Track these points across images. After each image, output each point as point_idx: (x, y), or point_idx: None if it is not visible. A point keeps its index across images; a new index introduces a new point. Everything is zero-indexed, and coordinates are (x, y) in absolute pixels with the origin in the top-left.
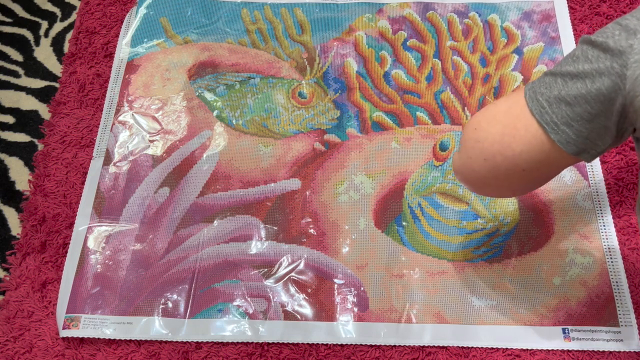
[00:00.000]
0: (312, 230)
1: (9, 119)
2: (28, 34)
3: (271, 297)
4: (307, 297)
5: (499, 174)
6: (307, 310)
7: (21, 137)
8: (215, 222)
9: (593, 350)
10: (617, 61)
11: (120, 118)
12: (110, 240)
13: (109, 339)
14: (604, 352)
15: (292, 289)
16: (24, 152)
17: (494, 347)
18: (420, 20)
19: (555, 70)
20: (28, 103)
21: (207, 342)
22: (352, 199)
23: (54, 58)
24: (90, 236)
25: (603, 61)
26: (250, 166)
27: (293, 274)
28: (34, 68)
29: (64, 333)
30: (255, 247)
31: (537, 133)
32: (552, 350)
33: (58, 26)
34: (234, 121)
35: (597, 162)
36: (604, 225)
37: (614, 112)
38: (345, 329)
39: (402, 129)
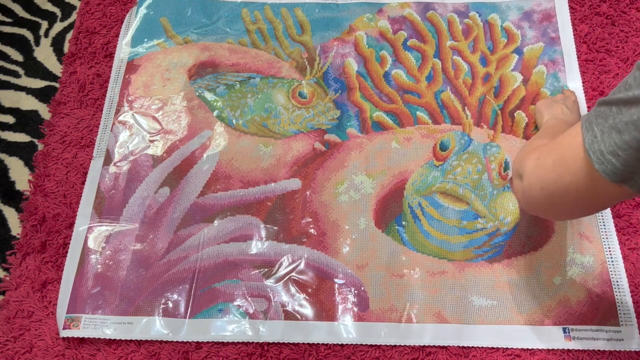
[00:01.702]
0: (312, 230)
1: (9, 119)
2: (28, 34)
3: (271, 297)
4: (307, 297)
5: (555, 201)
6: (308, 310)
7: (21, 137)
8: (215, 222)
9: (593, 350)
10: None
11: (121, 118)
12: (111, 240)
13: (109, 339)
14: (604, 351)
15: (293, 289)
16: (24, 152)
17: (494, 347)
18: (420, 20)
19: (609, 99)
20: (28, 103)
21: (208, 342)
22: (353, 199)
23: (54, 58)
24: (91, 236)
25: None
26: (251, 166)
27: (293, 273)
28: (34, 68)
29: (64, 333)
30: (256, 247)
31: (584, 163)
32: (553, 349)
33: (58, 26)
34: (234, 121)
35: None
36: (604, 225)
37: None
38: (346, 328)
39: (402, 129)
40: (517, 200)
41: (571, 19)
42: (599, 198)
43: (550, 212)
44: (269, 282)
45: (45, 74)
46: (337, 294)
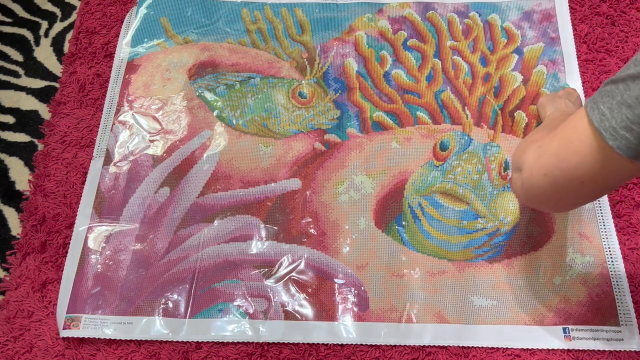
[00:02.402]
0: (312, 230)
1: (9, 119)
2: (28, 34)
3: (271, 297)
4: (307, 297)
5: (558, 187)
6: (308, 310)
7: (21, 137)
8: (215, 222)
9: (593, 350)
10: None
11: (121, 118)
12: (111, 240)
13: (109, 339)
14: (604, 351)
15: (293, 289)
16: (24, 152)
17: (494, 347)
18: (420, 20)
19: (615, 77)
20: (28, 103)
21: (208, 342)
22: (353, 199)
23: (54, 58)
24: (91, 236)
25: None
26: (251, 166)
27: (293, 273)
28: (34, 68)
29: (64, 333)
30: (256, 247)
31: (593, 143)
32: (553, 349)
33: (58, 26)
34: (234, 121)
35: None
36: (604, 225)
37: None
38: (346, 328)
39: (402, 129)
40: (515, 194)
41: (571, 19)
42: (609, 178)
43: (552, 201)
44: (269, 282)
45: (45, 74)
46: (337, 294)
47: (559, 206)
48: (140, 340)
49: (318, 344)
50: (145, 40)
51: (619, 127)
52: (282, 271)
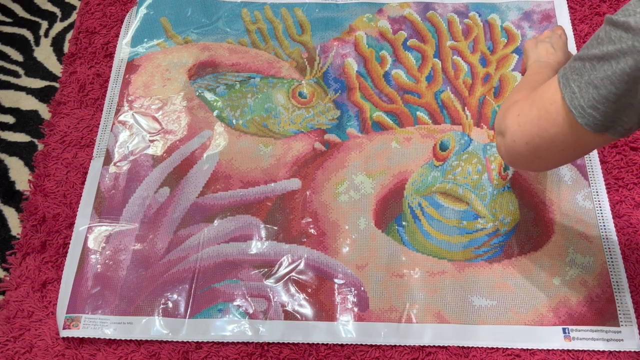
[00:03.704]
0: (312, 230)
1: (9, 119)
2: (28, 34)
3: (271, 297)
4: (307, 297)
5: (539, 154)
6: (308, 310)
7: (21, 137)
8: (215, 222)
9: (593, 350)
10: (639, 40)
11: (121, 118)
12: (111, 240)
13: (109, 339)
14: (604, 351)
15: (293, 289)
16: (24, 152)
17: (494, 347)
18: (420, 20)
19: (582, 55)
20: (28, 103)
21: (207, 342)
22: (352, 199)
23: (54, 58)
24: (91, 236)
25: (625, 41)
26: (251, 166)
27: (293, 273)
28: (34, 68)
29: (64, 333)
30: (256, 247)
31: (568, 117)
32: (552, 350)
33: (58, 26)
34: (234, 121)
35: (597, 162)
36: (604, 225)
37: (638, 90)
38: (346, 328)
39: (402, 129)
40: (500, 156)
41: (571, 19)
42: (584, 146)
43: (534, 164)
44: (269, 282)
45: (45, 74)
46: (337, 294)
47: (541, 168)
48: (140, 340)
49: (318, 344)
50: (145, 40)
51: (587, 105)
52: (282, 271)
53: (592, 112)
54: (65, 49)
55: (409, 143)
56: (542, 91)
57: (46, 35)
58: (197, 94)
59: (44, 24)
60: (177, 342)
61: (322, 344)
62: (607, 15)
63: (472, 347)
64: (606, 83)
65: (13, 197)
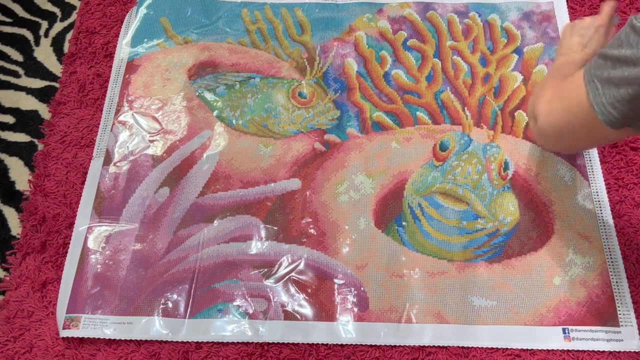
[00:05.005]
0: (312, 230)
1: (9, 119)
2: (28, 34)
3: (271, 297)
4: (307, 297)
5: (567, 140)
6: (307, 310)
7: (21, 137)
8: (215, 222)
9: (593, 350)
10: None
11: (120, 118)
12: (110, 240)
13: (109, 339)
14: (604, 352)
15: (292, 289)
16: (24, 152)
17: (494, 347)
18: (420, 20)
19: (605, 53)
20: (28, 103)
21: (207, 342)
22: (352, 199)
23: (54, 58)
24: (90, 236)
25: None
26: (250, 166)
27: (293, 274)
28: (34, 68)
29: (64, 333)
30: (255, 247)
31: (589, 113)
32: (552, 350)
33: (58, 26)
34: (234, 121)
35: (597, 162)
36: (604, 225)
37: None
38: (345, 329)
39: (402, 129)
40: (534, 138)
41: (571, 19)
42: (604, 138)
43: (565, 148)
44: (269, 282)
45: (45, 74)
46: (336, 294)
47: (573, 150)
48: (140, 340)
49: (318, 344)
50: (145, 40)
51: (607, 103)
52: (282, 271)
53: (611, 110)
54: (65, 49)
55: (409, 143)
56: (569, 84)
57: (46, 35)
58: (197, 94)
59: (44, 24)
60: (177, 342)
61: (322, 344)
62: (630, 17)
63: (472, 347)
64: (624, 84)
65: (13, 197)
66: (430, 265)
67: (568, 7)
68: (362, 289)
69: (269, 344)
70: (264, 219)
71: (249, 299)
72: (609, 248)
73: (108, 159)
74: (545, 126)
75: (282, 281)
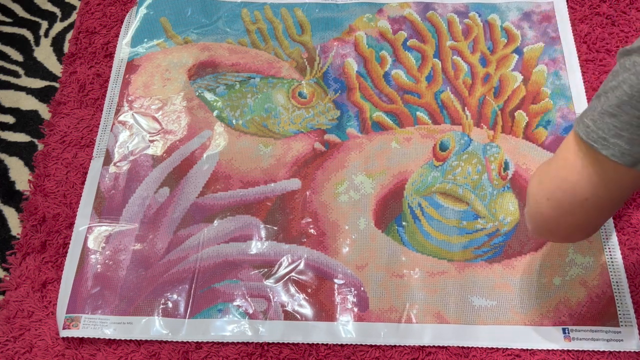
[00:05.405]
0: (312, 230)
1: (9, 119)
2: (28, 34)
3: (271, 297)
4: (307, 297)
5: (564, 210)
6: (307, 310)
7: (21, 137)
8: (215, 222)
9: (593, 350)
10: None
11: (120, 118)
12: (110, 240)
13: (109, 339)
14: (604, 352)
15: (292, 289)
16: (24, 152)
17: (494, 347)
18: (420, 20)
19: (598, 92)
20: (28, 103)
21: (207, 342)
22: (352, 199)
23: (54, 58)
24: (90, 236)
25: None
26: (250, 166)
27: (293, 274)
28: (34, 68)
29: (64, 333)
30: (255, 247)
31: (588, 156)
32: (552, 350)
33: (58, 26)
34: (234, 121)
35: None
36: (604, 226)
37: None
38: (345, 329)
39: (402, 129)
40: (529, 229)
41: (571, 19)
42: (611, 189)
43: (561, 227)
44: (269, 282)
45: (45, 74)
46: (336, 294)
47: (570, 231)
48: (140, 340)
49: (318, 344)
50: (145, 40)
51: (609, 136)
52: (282, 271)
53: (616, 141)
54: (65, 49)
55: (409, 143)
56: (559, 148)
57: (46, 35)
58: (197, 94)
59: (44, 24)
60: (177, 342)
61: (322, 344)
62: (619, 50)
63: (472, 347)
64: (625, 108)
65: (13, 197)
66: (430, 265)
67: (568, 7)
68: (362, 289)
69: (269, 344)
70: (264, 219)
71: (249, 299)
72: (609, 248)
73: (108, 159)
74: (539, 197)
75: (282, 281)
